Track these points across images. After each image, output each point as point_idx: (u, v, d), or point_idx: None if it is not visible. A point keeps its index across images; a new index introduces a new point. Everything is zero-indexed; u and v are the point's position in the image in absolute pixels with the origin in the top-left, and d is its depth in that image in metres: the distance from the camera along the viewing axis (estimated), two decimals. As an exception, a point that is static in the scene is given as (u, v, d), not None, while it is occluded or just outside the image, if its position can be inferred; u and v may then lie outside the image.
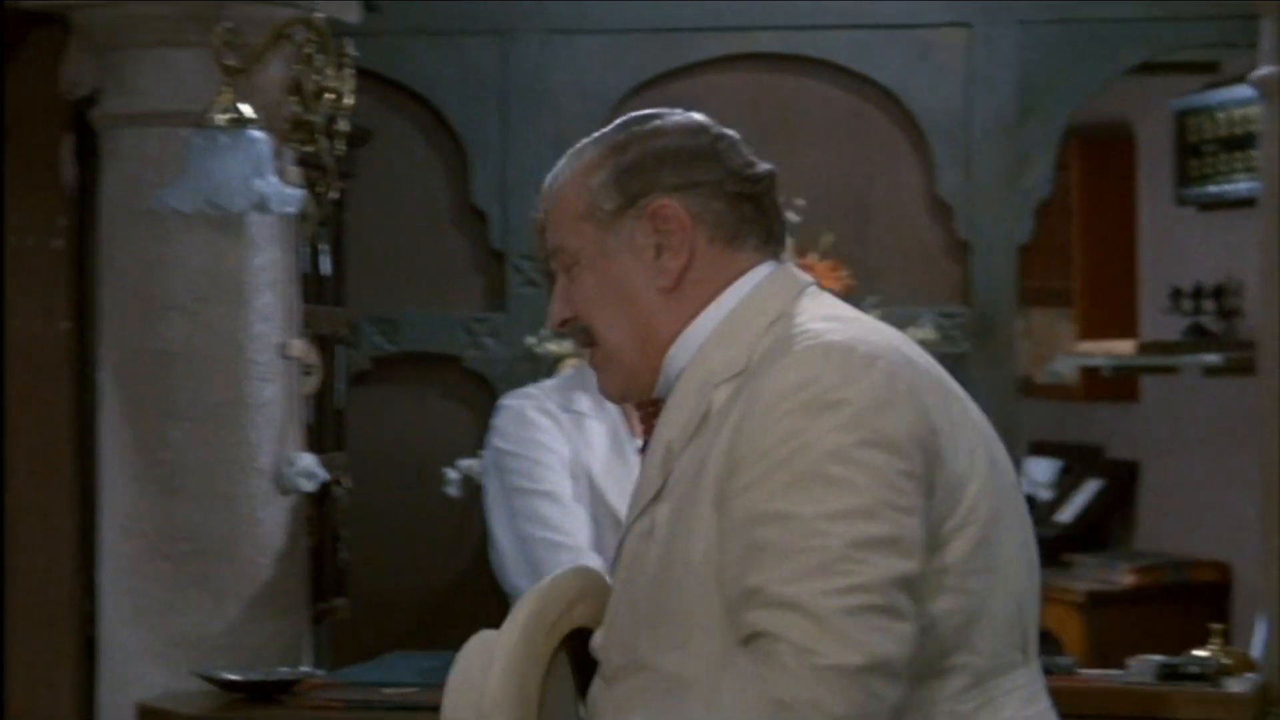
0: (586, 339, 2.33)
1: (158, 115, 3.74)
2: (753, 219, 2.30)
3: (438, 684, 2.28)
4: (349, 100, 3.73)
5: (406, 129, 4.64)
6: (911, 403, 2.12)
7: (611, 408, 3.59)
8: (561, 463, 3.53)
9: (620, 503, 3.52)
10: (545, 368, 4.39)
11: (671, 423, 2.24)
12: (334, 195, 3.92)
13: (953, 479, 2.16)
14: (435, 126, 4.62)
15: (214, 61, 3.58)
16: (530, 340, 4.49)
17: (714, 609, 2.14)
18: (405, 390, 4.70)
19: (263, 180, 3.54)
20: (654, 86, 4.60)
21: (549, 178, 2.33)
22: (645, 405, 2.61)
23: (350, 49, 3.72)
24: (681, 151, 2.29)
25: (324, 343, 4.24)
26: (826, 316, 2.23)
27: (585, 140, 2.33)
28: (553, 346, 4.43)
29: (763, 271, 2.29)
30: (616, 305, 2.29)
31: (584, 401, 3.58)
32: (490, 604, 3.96)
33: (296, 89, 3.71)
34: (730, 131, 2.35)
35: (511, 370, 4.56)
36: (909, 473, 2.09)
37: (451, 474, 4.28)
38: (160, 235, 3.71)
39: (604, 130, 2.33)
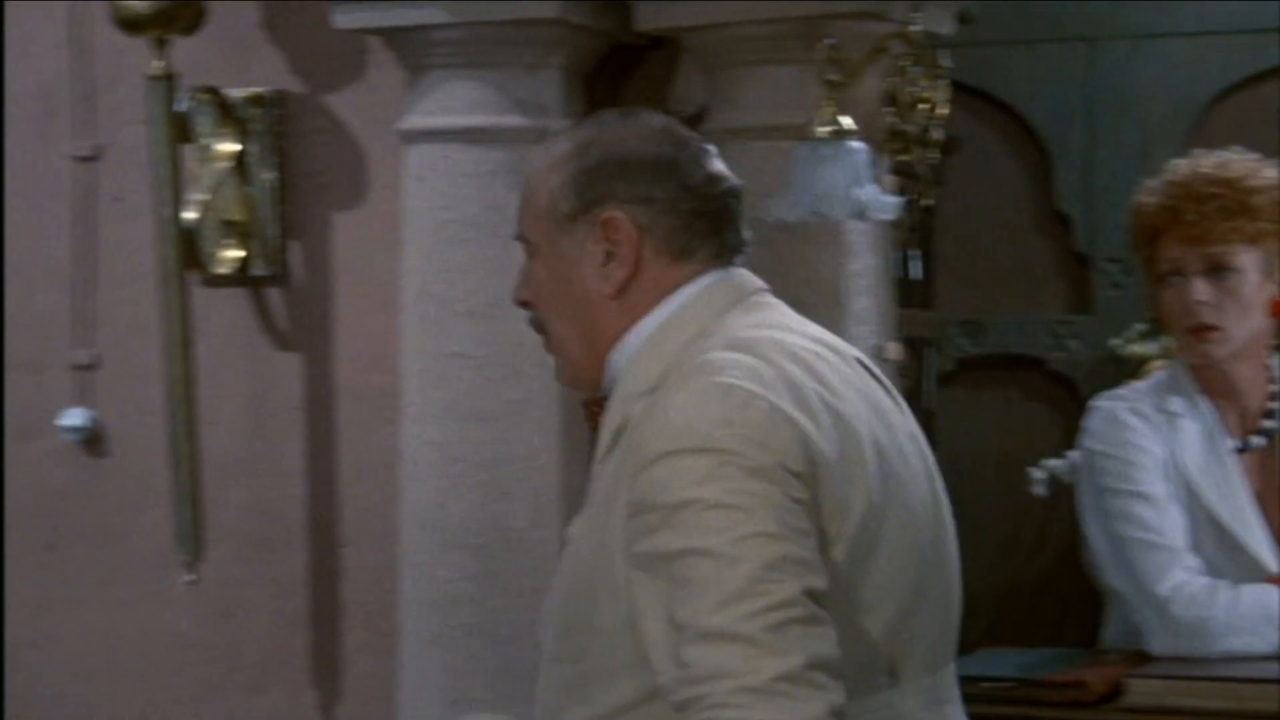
0: (539, 327, 2.46)
1: (762, 129, 3.93)
2: (704, 233, 2.38)
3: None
4: (943, 110, 3.84)
5: (991, 136, 4.70)
6: (791, 437, 2.18)
7: (1205, 408, 3.59)
8: (1155, 464, 3.55)
9: (1219, 504, 3.52)
10: (1130, 369, 4.40)
11: (601, 430, 2.37)
12: (927, 203, 4.04)
13: (832, 508, 2.21)
14: (1020, 133, 4.67)
15: (815, 76, 3.73)
16: (1115, 342, 4.50)
17: (616, 624, 2.24)
18: (989, 392, 4.76)
19: (862, 189, 3.67)
20: (1243, 89, 4.55)
21: (528, 169, 2.48)
22: (591, 404, 2.65)
23: (944, 60, 3.82)
24: (642, 162, 2.37)
25: (914, 345, 4.36)
26: (735, 343, 2.29)
27: (560, 134, 2.49)
28: (1138, 348, 4.44)
29: (704, 281, 2.38)
30: (565, 301, 2.40)
31: (1177, 402, 3.60)
32: (1077, 603, 4.01)
33: (892, 100, 3.85)
34: (699, 141, 2.42)
35: (1096, 372, 4.57)
36: (797, 499, 2.16)
37: (1037, 474, 4.33)
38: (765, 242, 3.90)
39: (578, 126, 2.47)
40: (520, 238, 2.46)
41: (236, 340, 4.47)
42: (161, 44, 4.20)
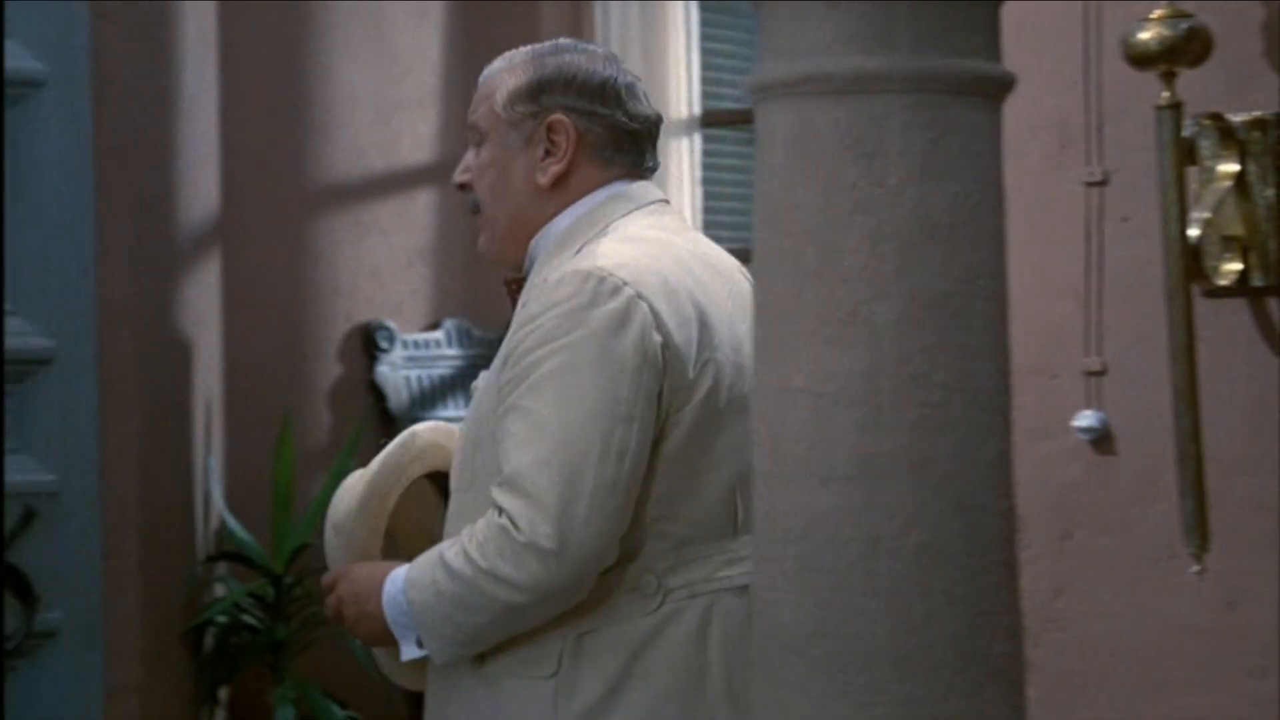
0: (475, 207, 2.79)
1: None
2: (628, 149, 2.80)
3: None
4: None
5: None
6: (642, 328, 2.56)
7: None
8: None
9: None
10: None
11: (517, 306, 2.68)
12: None
13: (679, 385, 2.59)
14: None
15: None
16: None
17: (490, 465, 2.61)
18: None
19: None
20: None
21: (485, 71, 2.84)
22: (511, 283, 2.83)
23: None
24: (589, 81, 2.77)
25: None
26: (627, 238, 2.66)
27: (522, 48, 2.83)
28: None
29: (616, 188, 2.72)
30: (502, 185, 2.77)
31: None
32: None
33: None
34: (635, 77, 2.84)
35: None
36: (634, 386, 2.53)
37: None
38: None
39: (539, 45, 2.82)
40: (472, 127, 2.84)
41: (1236, 347, 4.74)
42: (1170, 76, 4.55)
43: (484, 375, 2.77)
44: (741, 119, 6.63)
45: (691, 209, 6.24)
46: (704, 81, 6.38)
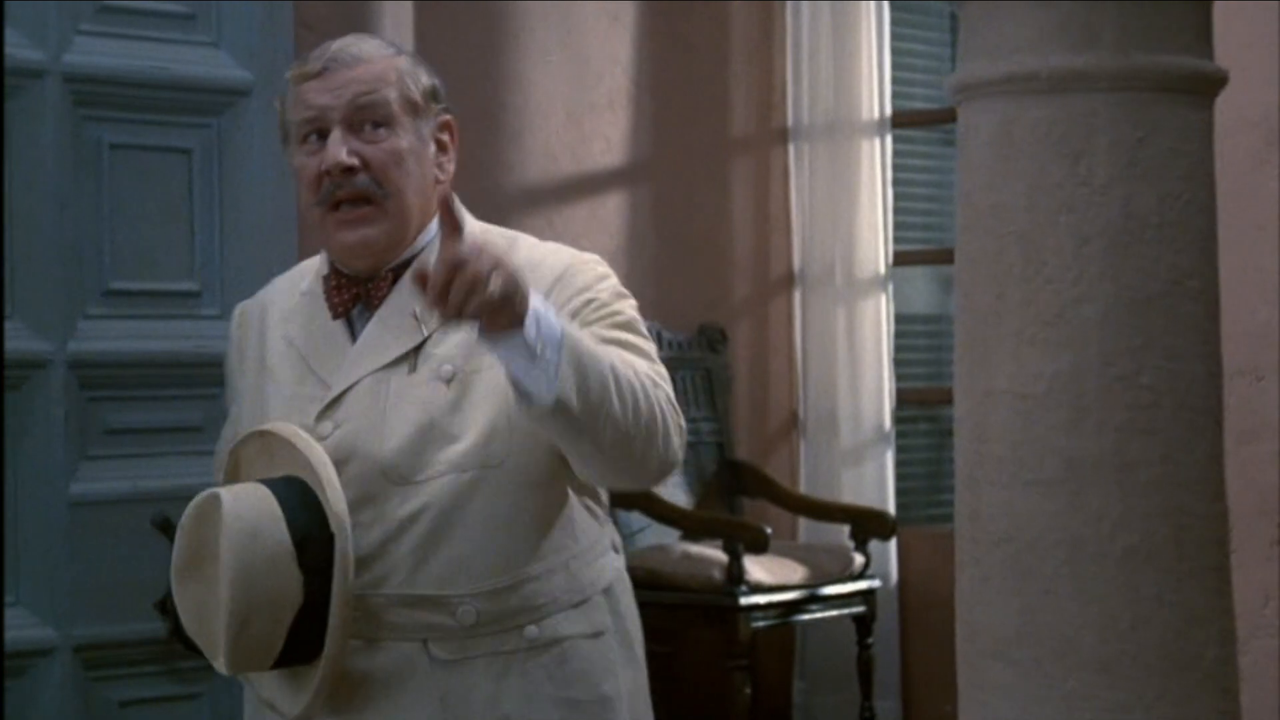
0: (369, 192, 2.58)
1: None
2: None
3: None
4: None
5: None
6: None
7: None
8: None
9: None
10: None
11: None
12: None
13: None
14: None
15: None
16: None
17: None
18: None
19: None
20: None
21: (337, 46, 2.63)
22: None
23: None
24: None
25: None
26: (518, 234, 2.76)
27: (368, 36, 2.70)
28: None
29: None
30: (414, 176, 2.63)
31: None
32: None
33: None
34: None
35: None
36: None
37: None
38: None
39: (381, 40, 2.70)
40: (364, 107, 2.61)
41: None
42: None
43: (453, 364, 2.63)
44: (933, 119, 6.59)
45: (883, 210, 6.22)
46: (895, 82, 6.35)
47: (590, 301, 2.63)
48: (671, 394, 2.59)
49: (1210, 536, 2.41)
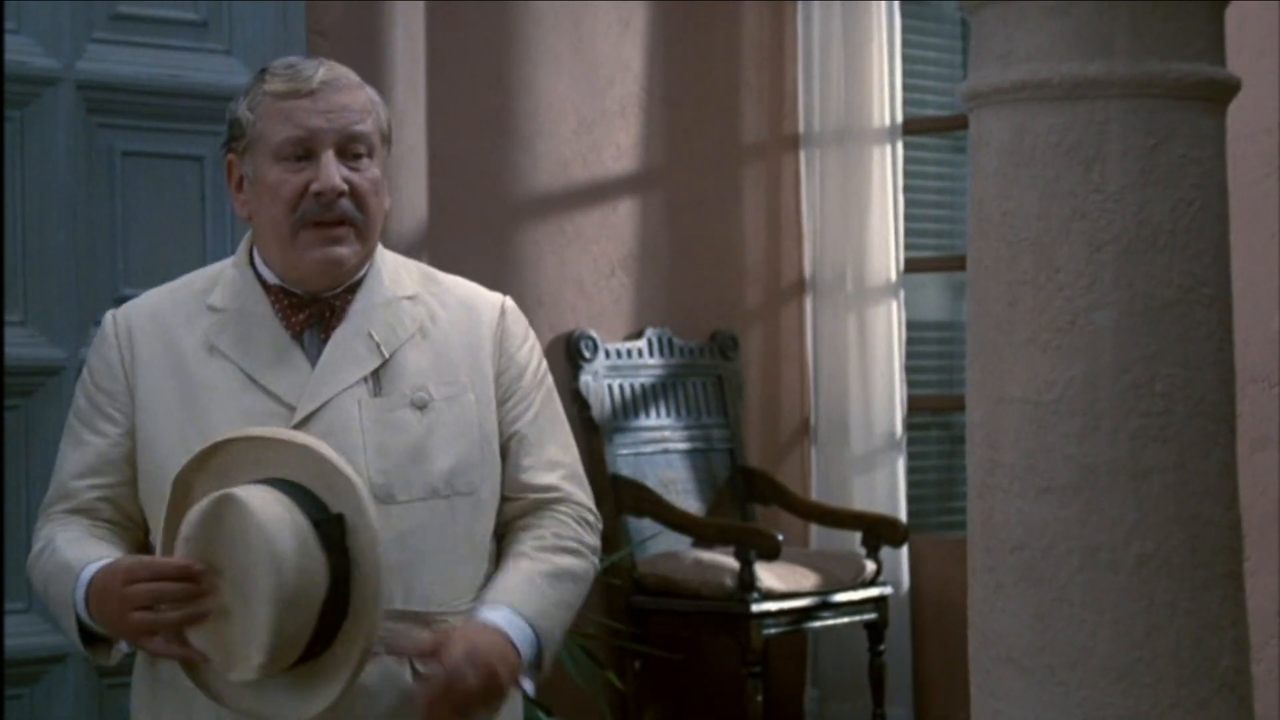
0: (351, 216, 2.65)
1: None
2: None
3: None
4: None
5: None
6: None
7: None
8: None
9: None
10: None
11: (380, 319, 2.69)
12: None
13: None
14: None
15: None
16: None
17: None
18: None
19: None
20: None
21: (324, 70, 2.67)
22: (292, 306, 2.69)
23: None
24: None
25: None
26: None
27: (332, 62, 2.72)
28: None
29: None
30: (382, 206, 2.71)
31: None
32: None
33: None
34: None
35: None
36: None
37: None
38: None
39: (346, 69, 2.71)
40: (360, 137, 2.68)
41: None
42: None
43: (425, 392, 2.74)
44: (945, 126, 6.58)
45: (893, 217, 6.22)
46: (906, 88, 6.35)
47: (523, 370, 2.81)
48: (582, 476, 2.84)
49: (1224, 544, 2.40)
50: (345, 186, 2.65)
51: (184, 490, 2.55)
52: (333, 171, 2.64)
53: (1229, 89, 2.43)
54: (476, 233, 5.71)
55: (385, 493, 2.63)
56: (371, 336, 2.69)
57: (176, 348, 2.71)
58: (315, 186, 2.64)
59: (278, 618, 2.43)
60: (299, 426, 2.63)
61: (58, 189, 4.43)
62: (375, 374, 2.69)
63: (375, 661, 2.57)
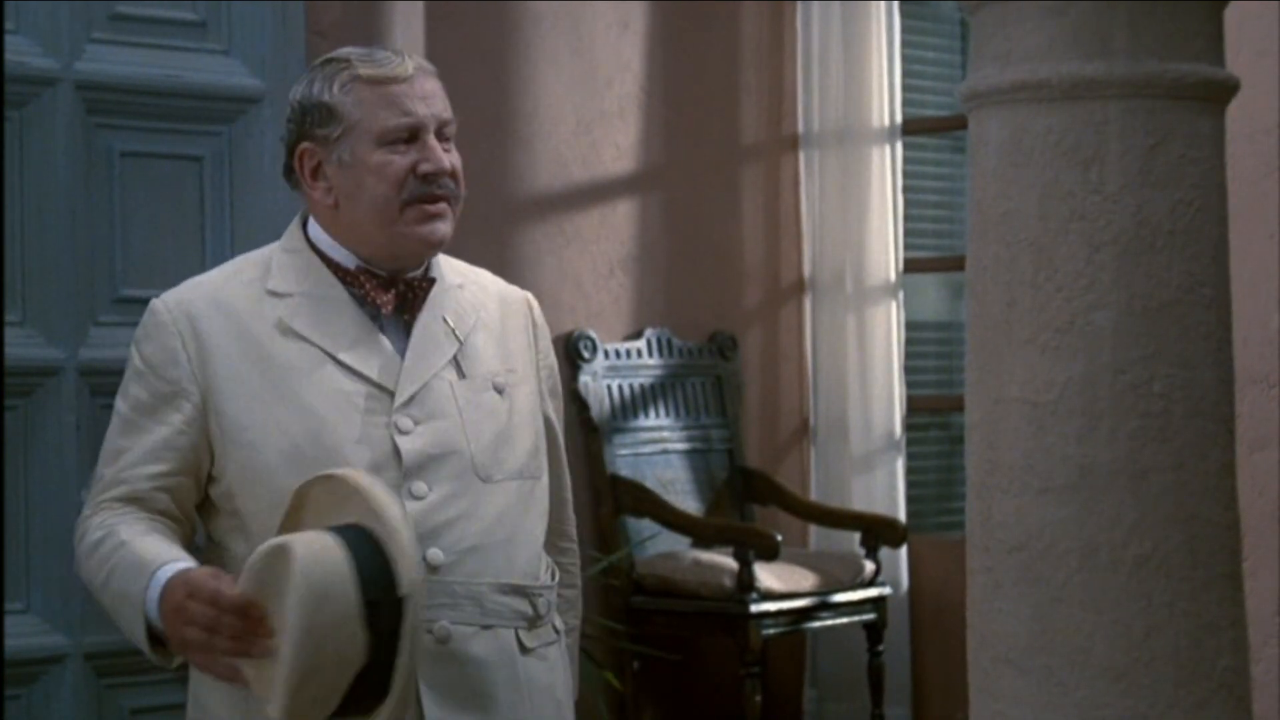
0: (453, 194, 2.74)
1: None
2: None
3: None
4: None
5: None
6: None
7: None
8: None
9: None
10: None
11: (451, 305, 2.77)
12: None
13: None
14: None
15: None
16: None
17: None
18: None
19: None
20: None
21: (406, 54, 2.77)
22: (379, 286, 2.77)
23: None
24: None
25: None
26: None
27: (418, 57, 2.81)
28: None
29: None
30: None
31: None
32: None
33: None
34: None
35: None
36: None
37: None
38: None
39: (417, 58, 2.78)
40: (449, 121, 2.78)
41: None
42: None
43: (500, 376, 2.83)
44: (944, 126, 6.58)
45: (892, 217, 6.21)
46: (905, 89, 6.35)
47: (552, 369, 2.94)
48: (568, 494, 2.97)
49: (1223, 544, 2.40)
50: (451, 167, 2.76)
51: (299, 503, 2.55)
52: (440, 154, 2.74)
53: (1228, 89, 2.43)
54: (476, 232, 5.70)
55: (485, 472, 2.73)
56: (446, 321, 2.78)
57: (247, 332, 2.72)
58: (425, 168, 2.73)
59: (291, 684, 2.42)
60: (402, 408, 2.70)
61: (57, 189, 4.43)
62: (454, 358, 2.77)
63: (501, 635, 2.71)
